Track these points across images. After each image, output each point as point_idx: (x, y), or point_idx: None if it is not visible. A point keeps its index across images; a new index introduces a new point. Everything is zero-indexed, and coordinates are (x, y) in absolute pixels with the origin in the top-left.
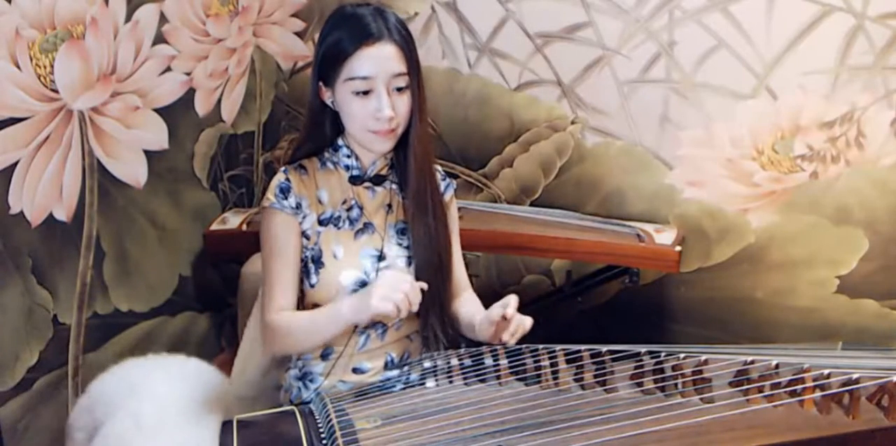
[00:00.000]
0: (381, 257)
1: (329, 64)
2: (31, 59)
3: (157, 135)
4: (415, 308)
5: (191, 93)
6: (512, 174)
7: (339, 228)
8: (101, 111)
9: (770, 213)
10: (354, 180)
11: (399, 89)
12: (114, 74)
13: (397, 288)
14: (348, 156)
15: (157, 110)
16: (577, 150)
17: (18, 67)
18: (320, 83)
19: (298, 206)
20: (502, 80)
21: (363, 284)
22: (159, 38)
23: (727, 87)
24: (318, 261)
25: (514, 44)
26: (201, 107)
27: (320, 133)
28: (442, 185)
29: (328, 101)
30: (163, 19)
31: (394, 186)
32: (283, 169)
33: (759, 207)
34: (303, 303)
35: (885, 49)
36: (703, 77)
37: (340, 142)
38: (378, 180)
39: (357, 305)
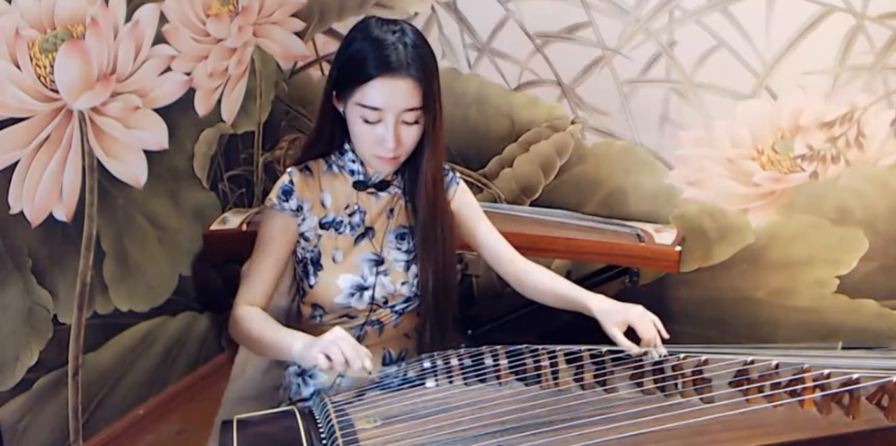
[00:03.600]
0: (379, 262)
1: (345, 79)
2: (31, 59)
3: (157, 135)
4: (353, 369)
5: (191, 93)
6: (512, 174)
7: (339, 233)
8: (101, 111)
9: (770, 213)
10: (359, 186)
11: (408, 122)
12: (114, 74)
13: (339, 345)
14: (353, 161)
15: (157, 110)
16: (577, 150)
17: (18, 67)
18: (334, 92)
19: (299, 209)
20: (502, 80)
21: (360, 288)
22: (159, 38)
23: (727, 87)
24: (316, 263)
25: (514, 44)
26: (201, 107)
27: (329, 136)
28: (445, 181)
29: (339, 109)
30: (163, 19)
31: (397, 191)
32: (289, 170)
33: (759, 207)
34: (303, 301)
35: (885, 49)
36: (703, 77)
37: (347, 146)
38: (382, 186)
39: (305, 347)
